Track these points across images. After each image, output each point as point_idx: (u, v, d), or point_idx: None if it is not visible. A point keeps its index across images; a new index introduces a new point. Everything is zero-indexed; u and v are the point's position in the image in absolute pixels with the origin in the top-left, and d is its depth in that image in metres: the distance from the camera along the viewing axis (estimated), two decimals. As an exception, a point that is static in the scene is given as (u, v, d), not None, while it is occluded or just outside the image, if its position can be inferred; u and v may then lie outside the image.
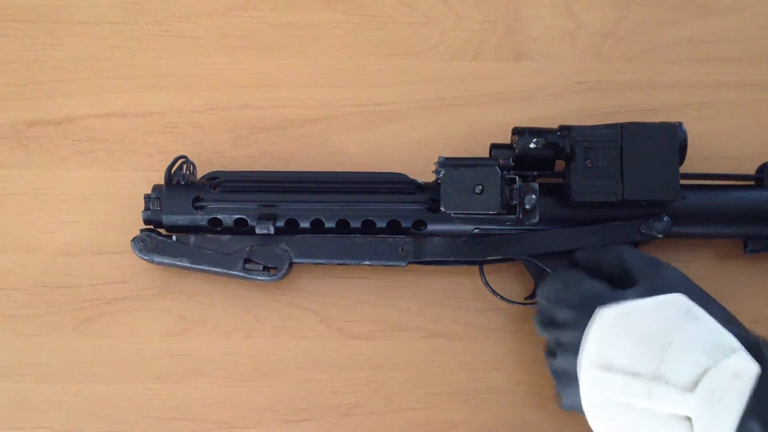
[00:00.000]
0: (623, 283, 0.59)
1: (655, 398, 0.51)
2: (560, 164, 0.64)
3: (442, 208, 0.62)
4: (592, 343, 0.54)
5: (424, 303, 0.69)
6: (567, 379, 0.59)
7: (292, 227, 0.65)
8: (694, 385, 0.50)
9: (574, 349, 0.56)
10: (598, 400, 0.54)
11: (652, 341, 0.52)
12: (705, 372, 0.50)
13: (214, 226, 0.65)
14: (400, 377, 0.68)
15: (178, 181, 0.65)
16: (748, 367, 0.49)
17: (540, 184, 0.63)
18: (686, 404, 0.50)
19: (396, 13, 0.72)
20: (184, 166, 0.66)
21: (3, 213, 0.70)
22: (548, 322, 0.61)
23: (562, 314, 0.59)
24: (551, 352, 0.61)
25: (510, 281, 0.69)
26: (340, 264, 0.66)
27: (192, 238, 0.65)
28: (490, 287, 0.67)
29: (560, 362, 0.59)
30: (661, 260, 0.61)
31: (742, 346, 0.51)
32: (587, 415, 0.55)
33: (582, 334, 0.56)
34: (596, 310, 0.56)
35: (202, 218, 0.65)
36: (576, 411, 0.59)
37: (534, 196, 0.63)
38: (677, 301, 0.54)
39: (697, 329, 0.52)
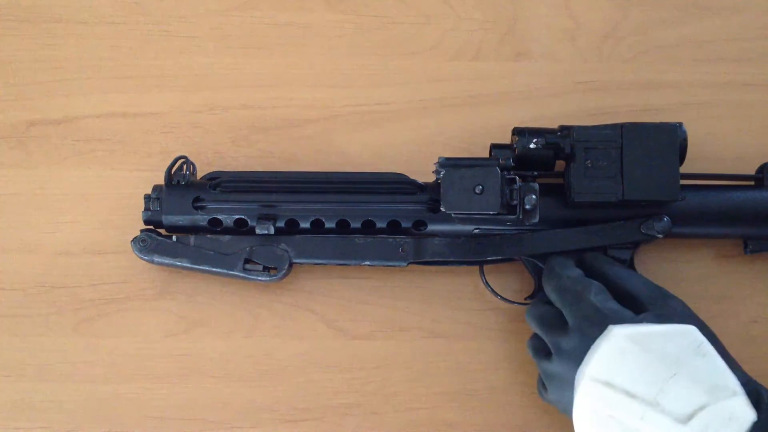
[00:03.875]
0: (628, 306, 0.59)
1: (647, 422, 0.51)
2: (560, 164, 0.64)
3: (442, 208, 0.62)
4: (599, 359, 0.54)
5: (424, 303, 0.69)
6: (558, 382, 0.59)
7: (292, 227, 0.65)
8: (688, 419, 0.50)
9: (575, 357, 0.56)
10: (590, 410, 0.54)
11: (657, 368, 0.52)
12: (702, 408, 0.50)
13: (214, 226, 0.65)
14: (400, 377, 0.68)
15: (178, 181, 0.65)
16: (745, 413, 0.50)
17: (540, 184, 0.63)
18: None
19: (396, 13, 0.72)
20: (184, 166, 0.66)
21: (3, 213, 0.70)
22: (549, 321, 0.61)
23: (571, 320, 0.58)
24: (545, 352, 0.61)
25: (510, 281, 0.69)
26: (340, 264, 0.66)
27: (192, 239, 0.65)
28: (490, 287, 0.67)
29: (556, 366, 0.59)
30: (666, 290, 0.60)
31: (744, 392, 0.51)
32: (574, 421, 0.55)
33: (586, 344, 0.56)
34: (609, 326, 0.55)
35: (202, 218, 0.65)
36: (557, 407, 0.60)
37: (534, 196, 0.63)
38: (690, 333, 0.54)
39: (703, 365, 0.52)
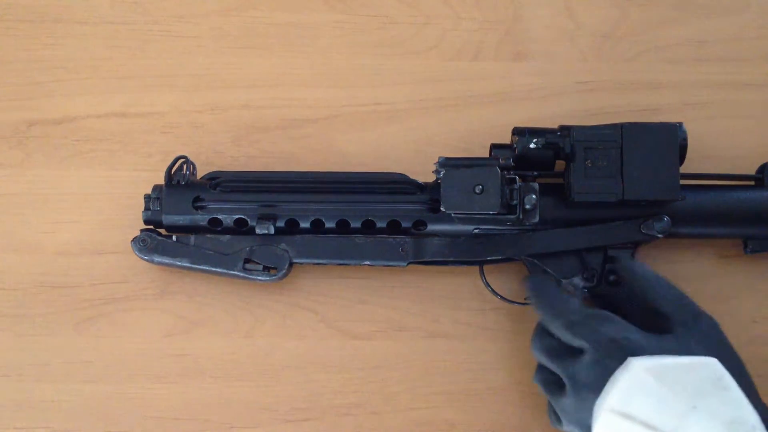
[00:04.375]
0: (654, 321, 0.58)
1: None
2: (560, 164, 0.64)
3: (442, 208, 0.62)
4: (618, 391, 0.54)
5: (424, 303, 0.69)
6: (575, 415, 0.57)
7: (292, 227, 0.65)
8: None
9: (593, 390, 0.55)
10: None
11: (677, 401, 0.52)
12: None
13: (214, 226, 0.65)
14: (400, 377, 0.68)
15: (178, 181, 0.65)
16: None
17: (540, 184, 0.63)
18: None
19: (396, 13, 0.72)
20: (184, 166, 0.66)
21: (3, 213, 0.70)
22: (561, 354, 0.59)
23: (588, 353, 0.57)
24: (557, 385, 0.59)
25: (510, 281, 0.69)
26: (340, 264, 0.66)
27: (192, 238, 0.65)
28: (490, 287, 0.67)
29: (572, 399, 0.57)
30: (699, 308, 0.60)
31: (764, 427, 0.51)
32: None
33: (605, 376, 0.55)
34: (628, 359, 0.55)
35: (202, 218, 0.65)
36: None
37: (534, 196, 0.63)
38: (712, 365, 0.54)
39: (723, 399, 0.52)
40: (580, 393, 0.56)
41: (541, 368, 0.62)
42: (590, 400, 0.55)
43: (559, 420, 0.60)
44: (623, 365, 0.55)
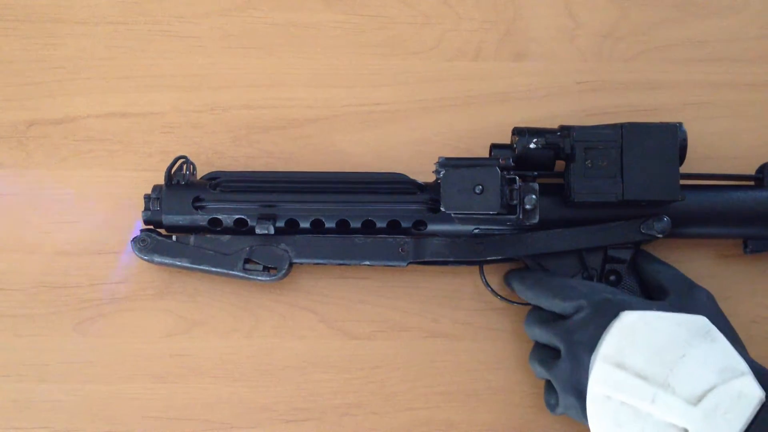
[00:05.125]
0: (654, 296, 0.62)
1: (658, 404, 0.52)
2: (560, 164, 0.64)
3: (442, 208, 0.62)
4: (611, 340, 0.55)
5: (424, 303, 0.69)
6: (570, 379, 0.58)
7: (292, 227, 0.65)
8: (698, 400, 0.51)
9: (588, 347, 0.57)
10: (603, 396, 0.54)
11: (667, 351, 0.53)
12: (711, 389, 0.51)
13: (214, 226, 0.65)
14: (400, 377, 0.68)
15: (178, 181, 0.65)
16: (754, 391, 0.51)
17: (540, 184, 0.63)
18: (687, 416, 0.51)
19: (396, 13, 0.72)
20: (184, 166, 0.66)
21: (3, 213, 0.70)
22: (556, 319, 0.61)
23: (584, 312, 0.59)
24: (552, 355, 0.61)
25: (510, 281, 0.69)
26: (340, 264, 0.66)
27: (192, 238, 0.65)
28: (490, 287, 0.67)
29: (568, 361, 0.58)
30: (695, 282, 0.62)
31: (752, 372, 0.52)
32: (588, 408, 0.56)
33: (597, 332, 0.57)
34: (621, 312, 0.57)
35: (202, 218, 0.65)
36: (567, 414, 0.60)
37: (534, 196, 0.62)
38: (699, 321, 0.55)
39: (711, 349, 0.53)
40: (575, 352, 0.58)
41: (536, 346, 0.64)
42: (585, 360, 0.57)
43: (555, 402, 0.61)
44: (617, 317, 0.56)
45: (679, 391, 0.52)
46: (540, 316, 0.63)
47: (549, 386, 0.63)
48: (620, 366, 0.54)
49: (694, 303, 0.60)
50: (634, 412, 0.53)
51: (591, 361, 0.56)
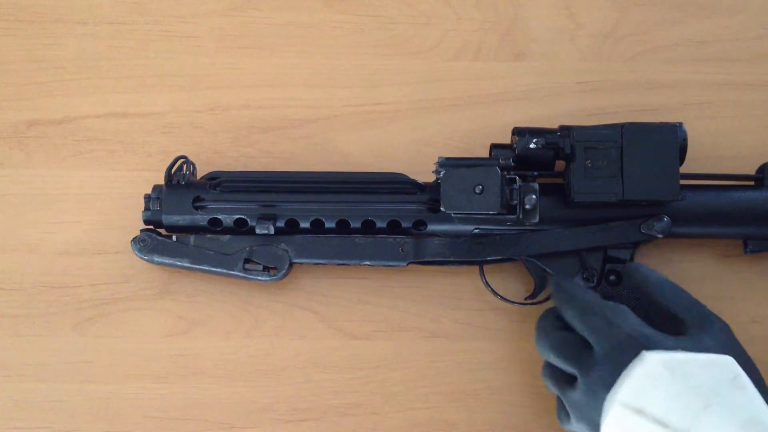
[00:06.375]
0: (666, 325, 0.57)
1: None
2: (560, 164, 0.64)
3: (442, 208, 0.62)
4: (630, 384, 0.52)
5: (424, 303, 0.69)
6: (585, 410, 0.56)
7: (292, 227, 0.65)
8: None
9: (605, 384, 0.54)
10: None
11: (692, 398, 0.51)
12: None
13: (214, 226, 0.65)
14: (400, 377, 0.68)
15: (178, 181, 0.65)
16: None
17: (540, 184, 0.63)
18: None
19: (396, 13, 0.72)
20: (184, 166, 0.66)
21: (3, 213, 0.70)
22: (570, 349, 0.58)
23: (601, 347, 0.55)
24: (566, 379, 0.58)
25: (510, 281, 0.69)
26: (340, 264, 0.66)
27: (192, 238, 0.65)
28: (490, 287, 0.67)
29: (582, 393, 0.56)
30: (710, 311, 0.59)
31: None
32: None
33: (618, 370, 0.54)
34: (642, 351, 0.53)
35: (202, 218, 0.65)
36: None
37: (534, 196, 0.63)
38: (728, 364, 0.53)
39: (738, 398, 0.51)
40: (592, 387, 0.55)
41: (548, 363, 0.61)
42: (601, 395, 0.54)
43: (567, 417, 0.59)
44: (637, 357, 0.53)
45: None
46: (554, 339, 0.59)
47: (562, 403, 0.60)
48: (639, 412, 0.51)
49: (713, 336, 0.56)
50: None
51: (606, 402, 0.53)
